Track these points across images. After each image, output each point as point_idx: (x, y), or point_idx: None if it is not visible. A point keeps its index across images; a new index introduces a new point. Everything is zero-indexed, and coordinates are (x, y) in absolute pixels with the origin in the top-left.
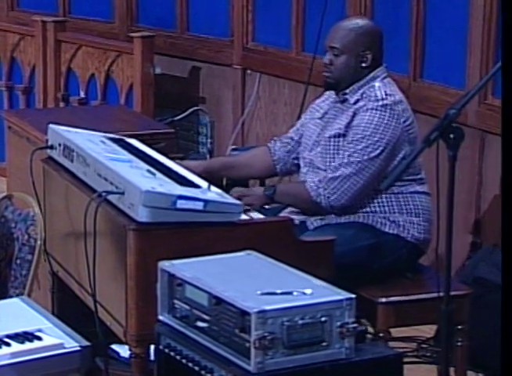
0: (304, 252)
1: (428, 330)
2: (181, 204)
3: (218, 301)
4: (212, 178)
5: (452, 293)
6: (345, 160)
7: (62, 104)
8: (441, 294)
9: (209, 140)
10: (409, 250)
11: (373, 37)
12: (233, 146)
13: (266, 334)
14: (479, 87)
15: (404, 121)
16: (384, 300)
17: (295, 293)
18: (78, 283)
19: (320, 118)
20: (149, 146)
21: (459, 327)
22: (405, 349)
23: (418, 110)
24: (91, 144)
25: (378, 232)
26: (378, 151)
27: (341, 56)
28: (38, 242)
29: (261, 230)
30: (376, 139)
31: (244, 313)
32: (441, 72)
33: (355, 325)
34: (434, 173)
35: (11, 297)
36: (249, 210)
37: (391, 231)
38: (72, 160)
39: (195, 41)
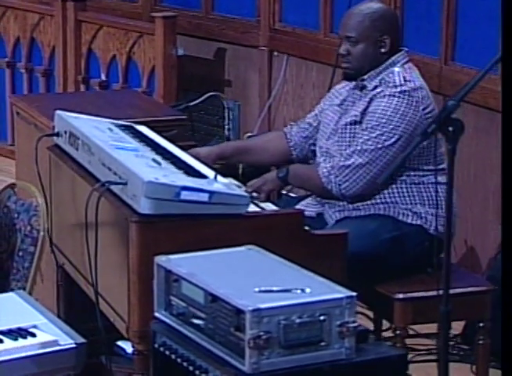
0: (315, 246)
1: (456, 327)
2: (185, 195)
3: (214, 298)
4: (225, 164)
5: (473, 289)
6: (358, 148)
7: (82, 87)
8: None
9: (227, 126)
10: (431, 243)
11: (389, 21)
12: (249, 134)
13: (261, 334)
14: (479, 77)
15: (423, 109)
16: (401, 296)
17: (294, 291)
18: (83, 276)
19: (339, 105)
20: (159, 133)
21: (481, 324)
22: (430, 346)
23: (449, 95)
24: (98, 132)
25: (400, 223)
26: (393, 140)
27: (358, 44)
28: (41, 233)
29: (270, 223)
30: (391, 126)
31: (239, 311)
32: (473, 55)
33: (355, 324)
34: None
35: (12, 290)
36: (263, 201)
37: (414, 222)
38: (77, 149)
39: (220, 22)
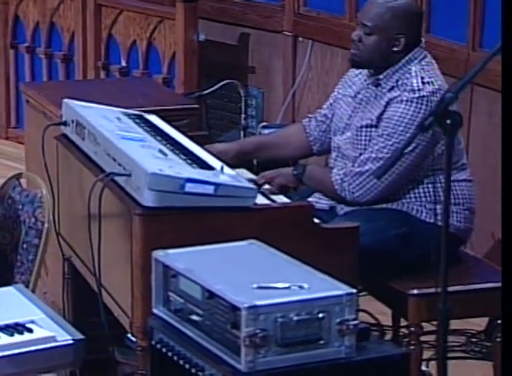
0: (325, 240)
1: (480, 323)
2: (189, 187)
3: (211, 294)
4: (246, 160)
5: (494, 285)
6: (373, 156)
7: (102, 74)
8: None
9: (243, 115)
10: (448, 239)
11: (410, 20)
12: (263, 124)
13: (258, 331)
14: (478, 68)
15: None
16: (415, 292)
17: (292, 287)
18: (89, 269)
19: (352, 97)
20: (169, 122)
21: (499, 321)
22: (452, 343)
23: (476, 82)
24: (105, 121)
25: (413, 219)
26: (410, 148)
27: (372, 35)
28: (46, 225)
29: (278, 216)
30: (409, 135)
31: (235, 308)
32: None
33: (356, 322)
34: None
35: (16, 283)
36: (275, 193)
37: (427, 219)
38: (83, 139)
39: (244, 6)
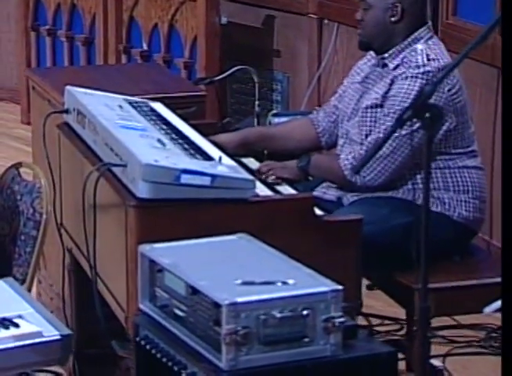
0: (327, 233)
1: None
2: (185, 178)
3: (194, 290)
4: (249, 151)
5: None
6: (381, 136)
7: (123, 58)
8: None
9: (257, 102)
10: (456, 230)
11: None
12: (274, 111)
13: (239, 329)
14: (457, 61)
15: (449, 90)
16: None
17: (277, 283)
18: (88, 261)
19: (360, 82)
20: (175, 110)
21: None
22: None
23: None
24: (106, 109)
25: (419, 209)
26: (418, 125)
27: (370, 10)
28: (44, 216)
29: (278, 208)
30: None
31: (216, 305)
32: None
33: (342, 319)
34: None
35: (14, 276)
36: (278, 183)
37: (434, 209)
38: (84, 127)
39: None
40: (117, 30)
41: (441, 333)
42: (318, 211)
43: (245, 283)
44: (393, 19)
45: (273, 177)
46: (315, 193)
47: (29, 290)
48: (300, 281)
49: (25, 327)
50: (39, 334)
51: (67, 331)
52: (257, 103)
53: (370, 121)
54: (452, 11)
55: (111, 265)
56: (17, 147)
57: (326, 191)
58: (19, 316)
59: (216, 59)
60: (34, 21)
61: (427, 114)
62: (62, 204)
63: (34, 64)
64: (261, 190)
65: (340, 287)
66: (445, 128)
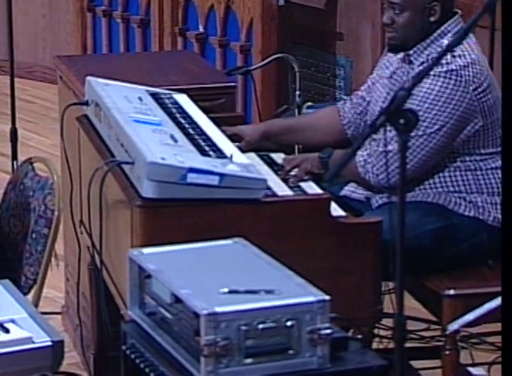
0: (343, 236)
1: None
2: (192, 178)
3: (177, 298)
4: (274, 144)
5: None
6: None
7: (179, 40)
8: None
9: (298, 92)
10: (490, 234)
11: None
12: (308, 103)
13: (218, 340)
14: (432, 64)
15: (475, 89)
16: (451, 292)
17: (261, 292)
18: (102, 261)
19: (388, 78)
20: (196, 103)
21: None
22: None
23: None
24: (124, 102)
25: (450, 213)
26: (436, 127)
27: (404, 12)
28: (56, 213)
29: (291, 210)
30: (434, 112)
31: (196, 315)
32: None
33: (329, 331)
34: None
35: (25, 275)
36: (304, 180)
37: (466, 213)
38: (100, 121)
39: None
40: (172, 11)
41: (489, 339)
42: (341, 212)
43: (230, 292)
44: (432, 19)
45: (293, 173)
46: (342, 192)
47: (40, 290)
48: (286, 291)
49: (15, 333)
50: (29, 340)
51: (59, 337)
52: (297, 93)
53: None
54: None
55: (119, 265)
56: None
57: (355, 190)
58: (12, 321)
59: (273, 43)
60: (90, 1)
61: (402, 120)
62: (81, 201)
63: (91, 46)
64: (280, 189)
65: (327, 298)
66: (469, 128)
